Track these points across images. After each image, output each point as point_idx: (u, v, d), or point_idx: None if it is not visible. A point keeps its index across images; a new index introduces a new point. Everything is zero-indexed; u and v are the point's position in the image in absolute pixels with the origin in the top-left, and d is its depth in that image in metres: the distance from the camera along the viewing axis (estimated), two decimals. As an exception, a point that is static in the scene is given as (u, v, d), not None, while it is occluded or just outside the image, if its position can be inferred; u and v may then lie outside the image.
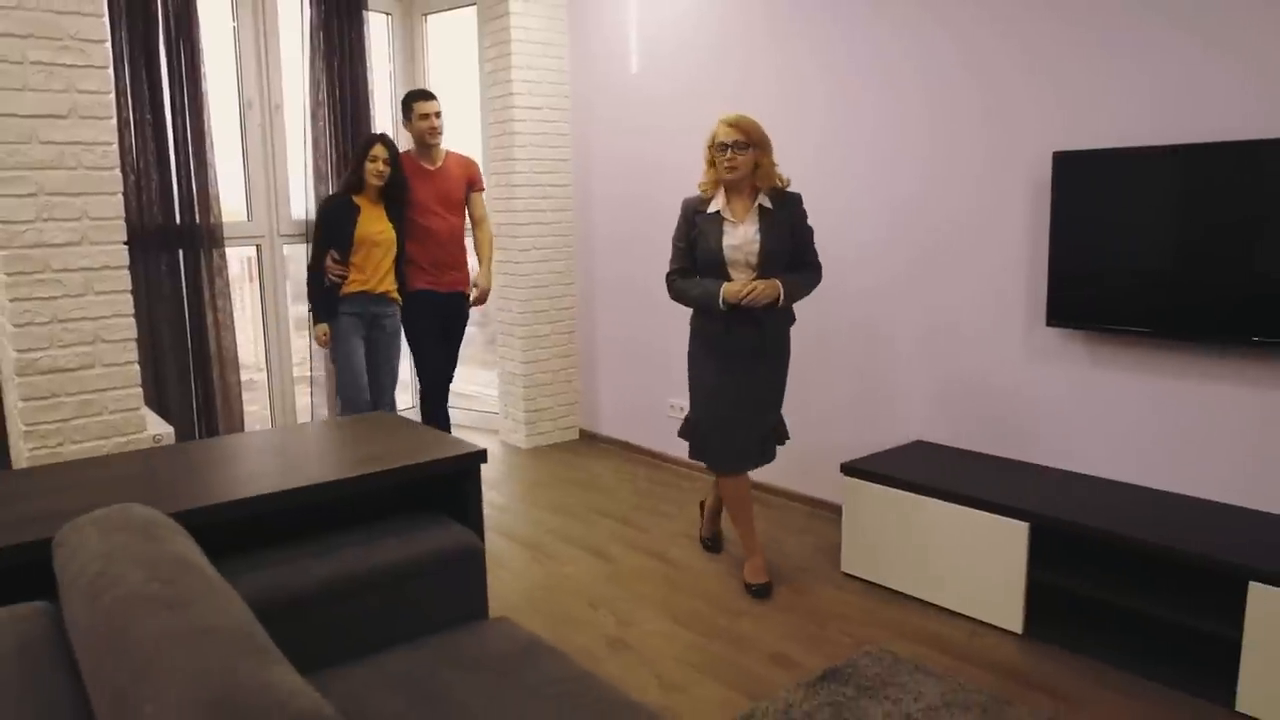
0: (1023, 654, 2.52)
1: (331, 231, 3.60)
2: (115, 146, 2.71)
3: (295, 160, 4.45)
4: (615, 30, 4.33)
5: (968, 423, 3.15)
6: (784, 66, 3.60)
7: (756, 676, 2.41)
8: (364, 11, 4.54)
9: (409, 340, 3.95)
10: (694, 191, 2.91)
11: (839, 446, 3.49)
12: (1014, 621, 2.61)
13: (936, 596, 2.78)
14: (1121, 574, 2.50)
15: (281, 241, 4.47)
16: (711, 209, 2.86)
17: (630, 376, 4.54)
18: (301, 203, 4.48)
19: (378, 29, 4.84)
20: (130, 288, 2.76)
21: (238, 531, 1.86)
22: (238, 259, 4.46)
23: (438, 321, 3.94)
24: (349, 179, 3.65)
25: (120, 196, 2.77)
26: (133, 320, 2.73)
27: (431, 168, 3.86)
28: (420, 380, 4.04)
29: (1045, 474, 2.86)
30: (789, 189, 2.88)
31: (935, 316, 3.21)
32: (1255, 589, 2.14)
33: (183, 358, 4.00)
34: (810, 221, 2.89)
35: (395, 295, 3.75)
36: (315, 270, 3.63)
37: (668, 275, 2.97)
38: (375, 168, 3.59)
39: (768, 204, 2.84)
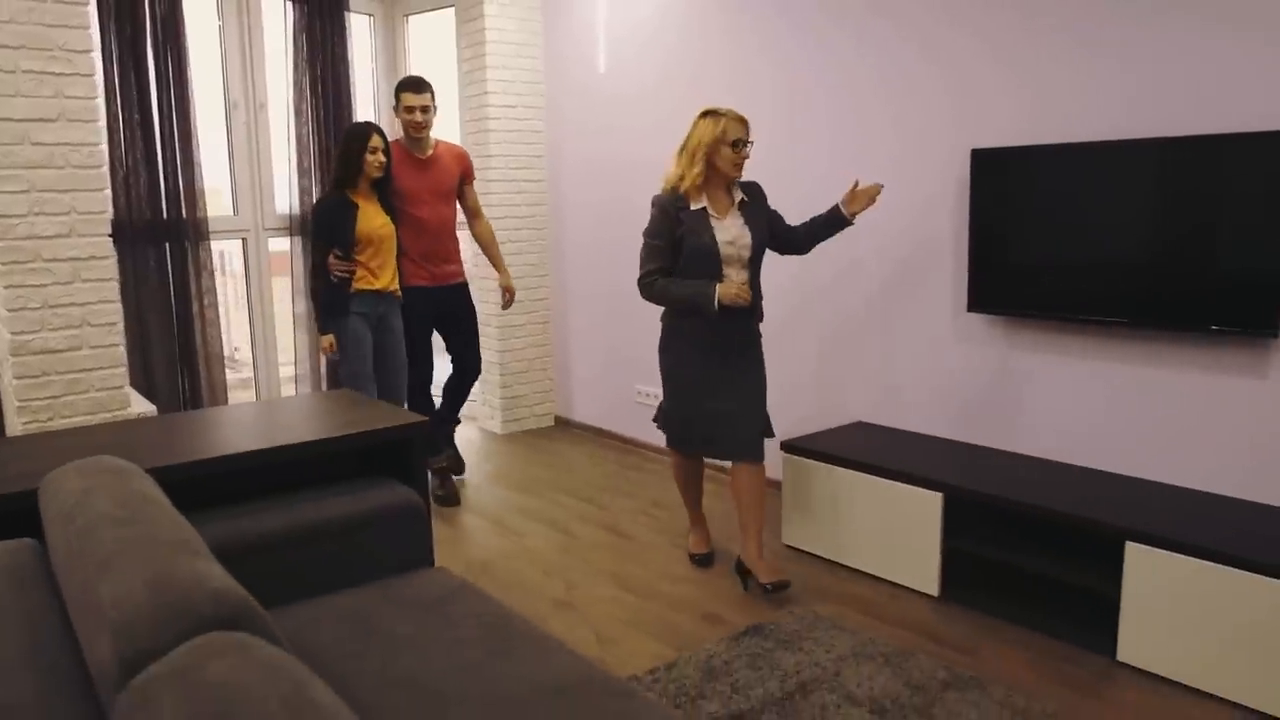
0: (935, 613, 2.78)
1: (334, 233, 3.50)
2: (101, 147, 3.01)
3: (280, 157, 4.73)
4: (585, 32, 4.59)
5: (903, 404, 3.41)
6: (738, 65, 3.86)
7: (686, 633, 2.68)
8: (346, 13, 4.81)
9: (405, 337, 3.87)
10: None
11: (785, 429, 3.75)
12: (930, 585, 2.87)
13: (864, 563, 3.04)
14: (1024, 539, 2.76)
15: (267, 235, 4.75)
16: (695, 205, 2.85)
17: (601, 365, 4.81)
18: (286, 198, 4.76)
19: (360, 29, 5.11)
20: (115, 276, 3.05)
21: (207, 489, 2.14)
22: (231, 254, 4.74)
23: (432, 318, 3.92)
24: (342, 174, 3.55)
25: (105, 193, 3.06)
26: (118, 305, 3.03)
27: (422, 156, 3.84)
28: (410, 376, 3.95)
29: (963, 449, 3.12)
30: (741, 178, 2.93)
31: (873, 305, 3.47)
32: (1131, 548, 2.40)
33: (169, 346, 4.28)
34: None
35: (399, 292, 3.72)
36: (319, 275, 3.55)
37: (644, 276, 2.90)
38: (376, 159, 3.52)
39: (744, 197, 2.91)
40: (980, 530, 2.83)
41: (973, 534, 2.82)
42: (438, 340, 4.06)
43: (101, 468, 1.62)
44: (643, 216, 2.95)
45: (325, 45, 4.75)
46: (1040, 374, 2.99)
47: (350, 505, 2.11)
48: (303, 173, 4.74)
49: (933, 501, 2.82)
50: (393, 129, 4.23)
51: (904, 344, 3.38)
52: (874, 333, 3.48)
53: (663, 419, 3.11)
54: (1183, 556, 2.30)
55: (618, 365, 4.70)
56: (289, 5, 4.65)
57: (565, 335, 5.03)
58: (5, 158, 2.87)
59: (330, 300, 3.53)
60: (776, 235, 2.99)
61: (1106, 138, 2.72)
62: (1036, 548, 2.72)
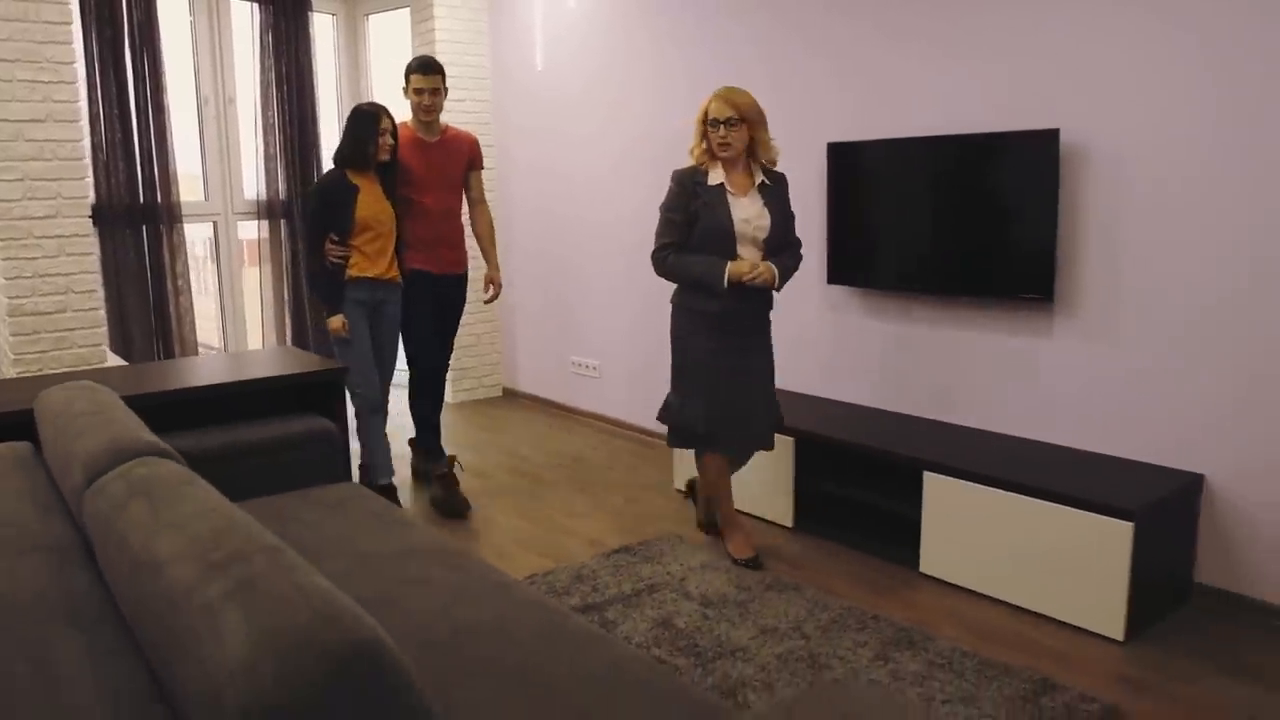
0: (786, 540, 3.43)
1: (333, 214, 3.46)
2: (83, 143, 3.71)
3: (248, 147, 5.39)
4: (525, 34, 5.24)
5: (791, 367, 4.05)
6: (656, 62, 4.50)
7: (570, 552, 3.34)
8: (309, 12, 5.47)
9: (401, 322, 3.86)
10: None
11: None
12: (786, 517, 3.52)
13: (735, 501, 3.69)
14: (857, 475, 3.39)
15: (236, 219, 5.41)
16: (713, 181, 2.90)
17: (542, 339, 5.47)
18: (254, 185, 5.42)
19: (324, 27, 5.76)
20: (95, 251, 3.74)
21: (166, 417, 2.81)
22: (204, 241, 5.41)
23: (432, 304, 3.90)
24: (348, 154, 3.48)
25: (87, 181, 3.75)
26: (98, 276, 3.74)
27: (430, 140, 3.81)
28: (410, 365, 4.02)
29: (820, 402, 3.77)
30: (774, 167, 3.03)
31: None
32: (928, 477, 3.04)
33: (146, 319, 4.95)
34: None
35: (397, 277, 3.67)
36: (316, 256, 3.52)
37: (658, 250, 2.96)
38: (385, 141, 3.47)
39: (767, 180, 2.96)
40: (825, 469, 3.47)
41: (819, 473, 3.47)
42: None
43: (81, 387, 2.28)
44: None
45: (290, 43, 5.40)
46: (884, 337, 3.63)
47: (278, 430, 2.78)
48: (269, 160, 5.40)
49: (786, 445, 3.47)
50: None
51: (782, 313, 4.02)
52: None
53: (672, 414, 3.10)
54: (966, 483, 2.95)
55: (556, 339, 5.36)
56: (255, 6, 5.30)
57: (511, 312, 5.69)
58: (2, 152, 3.57)
59: (328, 288, 3.50)
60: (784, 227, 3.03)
61: (921, 134, 3.36)
62: (866, 481, 3.36)
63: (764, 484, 3.57)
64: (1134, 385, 2.96)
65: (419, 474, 4.14)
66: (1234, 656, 2.55)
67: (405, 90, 3.80)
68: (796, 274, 3.65)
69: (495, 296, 4.15)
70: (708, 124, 2.88)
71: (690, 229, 2.94)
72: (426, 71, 3.73)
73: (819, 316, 3.87)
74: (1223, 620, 2.75)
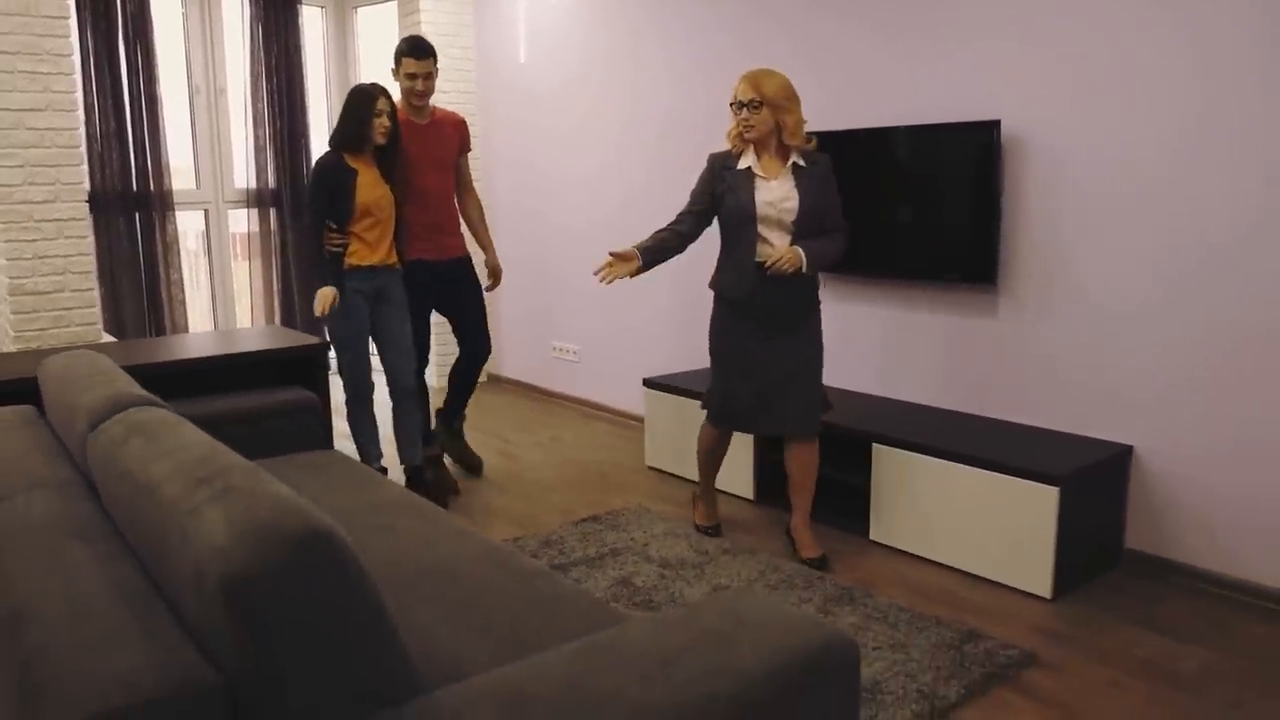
0: (746, 511, 3.68)
1: (332, 199, 3.39)
2: (79, 131, 3.97)
3: (238, 137, 5.64)
4: (509, 27, 5.49)
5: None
6: (637, 54, 4.75)
7: (540, 520, 3.59)
8: (299, 5, 5.72)
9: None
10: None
11: (649, 370, 4.65)
12: (747, 490, 3.77)
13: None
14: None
15: (226, 207, 5.66)
16: (742, 165, 2.96)
17: (525, 326, 5.72)
18: (244, 174, 5.67)
19: (313, 19, 6.01)
20: (90, 235, 3.99)
21: (158, 387, 3.06)
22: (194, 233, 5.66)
23: (433, 294, 3.87)
24: (343, 137, 3.41)
25: (83, 167, 4.01)
26: (93, 258, 4.00)
27: (421, 122, 3.78)
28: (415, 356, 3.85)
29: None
30: (815, 149, 3.03)
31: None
32: (877, 449, 3.29)
33: (139, 303, 5.21)
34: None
35: (397, 263, 3.59)
36: (317, 241, 3.43)
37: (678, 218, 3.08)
38: (382, 123, 3.39)
39: (801, 162, 2.97)
40: (780, 443, 3.71)
41: (778, 448, 3.71)
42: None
43: (81, 354, 2.53)
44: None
45: (279, 35, 5.66)
46: (840, 318, 3.88)
47: (262, 400, 3.03)
48: (259, 150, 5.66)
49: (747, 421, 3.71)
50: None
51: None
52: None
53: (707, 396, 3.26)
54: (911, 454, 3.19)
55: (538, 325, 5.61)
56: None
57: (495, 299, 5.93)
58: (5, 139, 3.86)
59: (326, 267, 3.42)
60: (824, 212, 3.03)
61: (874, 125, 3.60)
62: (821, 455, 3.61)
63: (726, 460, 3.82)
64: (1069, 363, 3.21)
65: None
66: (1151, 613, 2.80)
67: (395, 73, 3.74)
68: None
69: (496, 284, 4.10)
70: (733, 106, 2.94)
71: (713, 212, 3.05)
72: (420, 55, 3.64)
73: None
74: (1148, 582, 3.00)
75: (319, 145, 5.84)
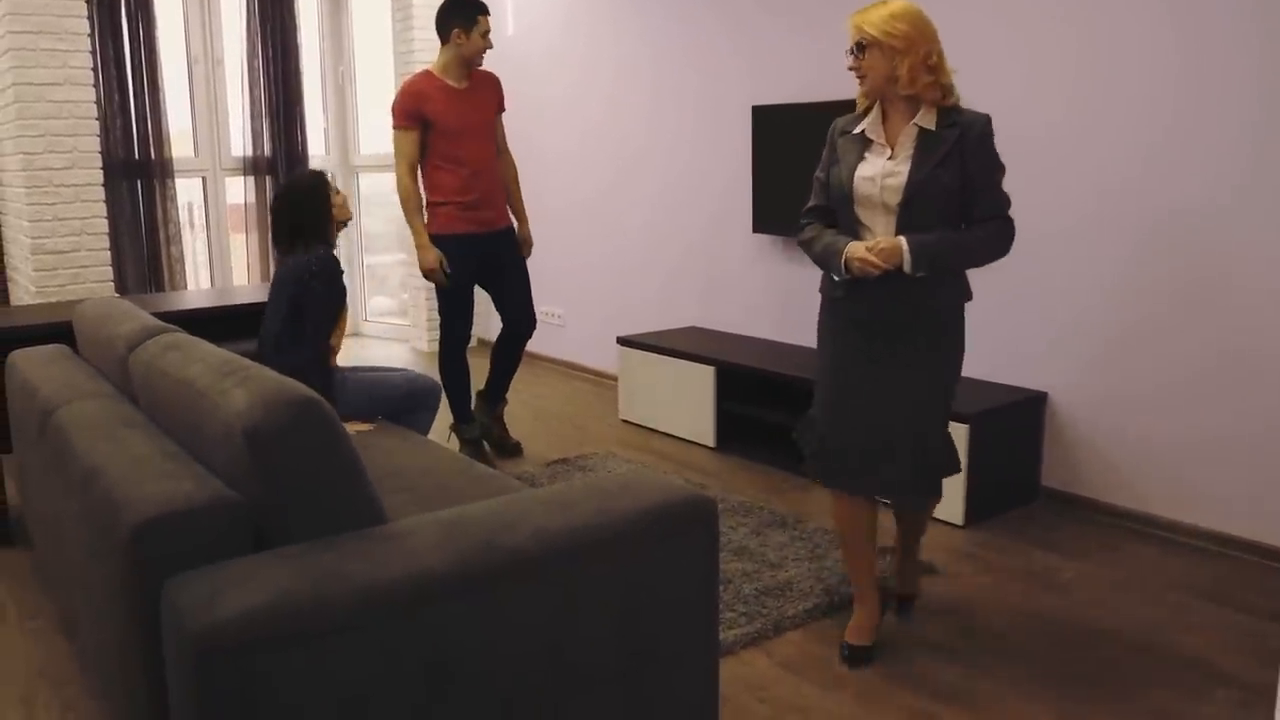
0: (707, 458, 4.28)
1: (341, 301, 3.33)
2: (94, 103, 4.58)
3: (235, 107, 6.26)
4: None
5: (718, 308, 4.90)
6: (619, 36, 5.33)
7: (514, 463, 4.20)
8: (294, -21, 6.32)
9: (440, 291, 3.91)
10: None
11: (622, 329, 5.25)
12: (709, 438, 4.37)
13: (668, 426, 4.55)
14: (767, 399, 4.23)
15: (224, 174, 6.29)
16: (857, 129, 2.47)
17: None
18: (240, 142, 6.29)
19: (308, -8, 6.62)
20: (104, 199, 4.64)
21: (169, 337, 3.70)
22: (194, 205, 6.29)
23: (475, 269, 3.92)
24: (324, 234, 3.24)
25: (97, 136, 4.64)
26: (106, 220, 4.65)
27: (459, 87, 3.82)
28: (444, 333, 4.06)
29: (742, 340, 4.61)
30: (970, 107, 2.43)
31: (693, 229, 4.95)
32: (819, 396, 3.88)
33: (141, 266, 5.85)
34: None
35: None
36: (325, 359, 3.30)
37: (801, 218, 2.61)
38: (340, 199, 3.34)
39: (929, 125, 2.37)
40: (743, 395, 4.31)
41: (738, 398, 4.31)
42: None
43: (109, 299, 3.17)
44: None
45: (275, 7, 6.26)
46: (799, 279, 4.46)
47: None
48: (255, 119, 6.27)
49: (708, 374, 4.31)
50: (373, 89, 5.73)
51: (718, 261, 4.86)
52: (697, 255, 4.97)
53: (806, 431, 2.63)
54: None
55: (525, 290, 6.22)
56: (243, -27, 6.16)
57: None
58: (28, 110, 4.54)
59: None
60: (967, 194, 2.38)
61: (826, 99, 4.17)
62: (777, 405, 4.20)
63: (688, 408, 4.42)
64: (987, 314, 3.78)
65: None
66: (1049, 538, 3.39)
67: (461, 34, 3.77)
68: (729, 226, 4.49)
69: (526, 256, 4.14)
70: (847, 53, 2.43)
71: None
72: (488, 11, 3.85)
73: (744, 262, 4.71)
74: (1057, 515, 3.58)
75: (313, 115, 6.46)
